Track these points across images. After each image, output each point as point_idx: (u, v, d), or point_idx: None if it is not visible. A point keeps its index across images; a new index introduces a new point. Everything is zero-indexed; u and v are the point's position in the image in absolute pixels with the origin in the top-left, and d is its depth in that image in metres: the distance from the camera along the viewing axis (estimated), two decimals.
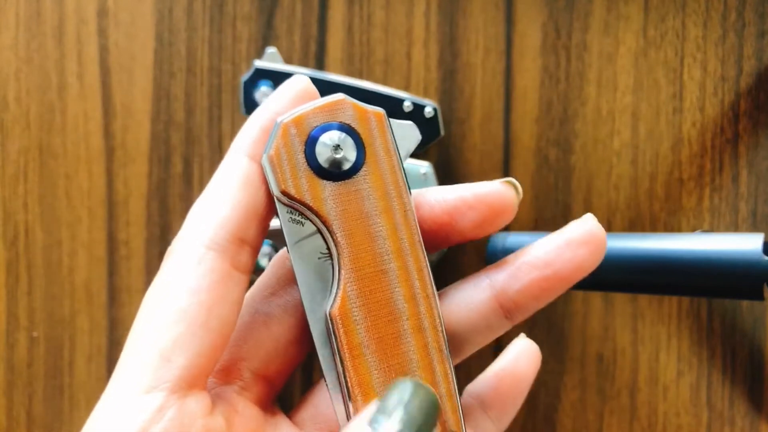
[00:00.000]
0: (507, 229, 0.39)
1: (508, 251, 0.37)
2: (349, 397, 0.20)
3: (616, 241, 0.34)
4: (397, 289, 0.20)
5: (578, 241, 0.21)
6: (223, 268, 0.19)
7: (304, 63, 0.39)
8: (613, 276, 0.34)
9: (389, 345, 0.20)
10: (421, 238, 0.20)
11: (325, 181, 0.20)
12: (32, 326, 0.40)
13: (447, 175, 0.39)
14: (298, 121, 0.20)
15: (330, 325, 0.20)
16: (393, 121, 0.21)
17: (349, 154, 0.20)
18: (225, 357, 0.21)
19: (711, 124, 0.39)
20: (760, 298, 0.30)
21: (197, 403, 0.19)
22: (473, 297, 0.22)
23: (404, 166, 0.21)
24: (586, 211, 0.39)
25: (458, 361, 0.23)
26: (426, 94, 0.39)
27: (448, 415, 0.20)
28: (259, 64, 0.38)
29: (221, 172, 0.21)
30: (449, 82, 0.39)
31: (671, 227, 0.39)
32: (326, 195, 0.20)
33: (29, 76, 0.39)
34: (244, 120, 0.39)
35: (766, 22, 0.38)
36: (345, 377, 0.20)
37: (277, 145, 0.19)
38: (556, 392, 0.39)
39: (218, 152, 0.39)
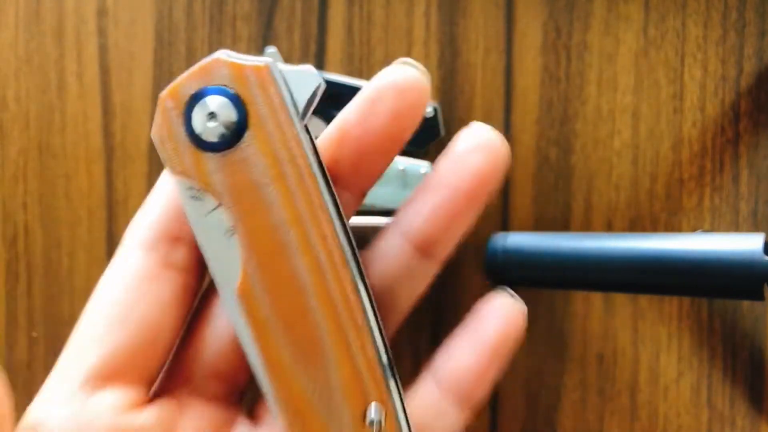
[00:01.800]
0: (507, 229, 0.39)
1: (508, 251, 0.37)
2: (264, 373, 0.19)
3: (616, 241, 0.34)
4: (298, 261, 0.18)
5: (469, 149, 0.19)
6: (148, 267, 0.19)
7: (304, 63, 0.39)
8: (614, 276, 0.34)
9: (296, 321, 0.18)
10: (335, 199, 0.19)
11: (208, 153, 0.18)
12: (32, 326, 0.40)
13: None
14: (173, 93, 0.18)
15: (239, 305, 0.19)
16: (285, 68, 0.18)
17: (229, 120, 0.18)
18: (173, 363, 0.21)
19: (711, 124, 0.38)
20: (761, 298, 0.30)
21: (108, 399, 0.19)
22: (386, 248, 0.20)
23: (311, 122, 0.18)
24: (587, 211, 0.39)
25: (400, 318, 0.22)
26: None
27: (369, 388, 0.19)
28: None
29: (162, 174, 0.20)
30: (449, 82, 0.39)
31: (672, 227, 0.39)
32: (211, 168, 0.18)
33: (28, 75, 0.39)
34: None
35: (766, 22, 0.38)
36: (257, 357, 0.19)
37: (158, 121, 0.18)
38: (556, 392, 0.39)
39: None
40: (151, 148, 0.39)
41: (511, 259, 0.37)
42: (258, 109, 0.18)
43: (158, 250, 0.19)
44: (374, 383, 0.19)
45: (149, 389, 0.20)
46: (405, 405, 0.19)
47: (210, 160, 0.18)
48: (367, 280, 0.19)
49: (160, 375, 0.21)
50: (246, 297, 0.19)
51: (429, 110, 0.38)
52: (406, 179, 0.38)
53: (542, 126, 0.39)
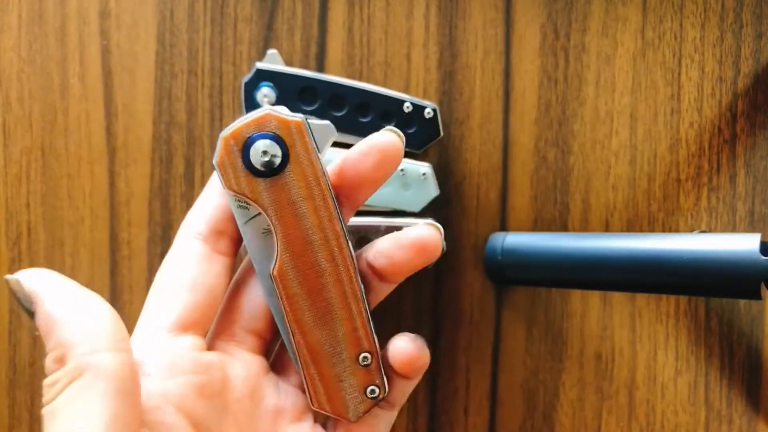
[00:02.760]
0: (505, 229, 0.39)
1: (507, 251, 0.37)
2: (291, 330, 0.27)
3: (614, 241, 0.35)
4: (320, 254, 0.27)
5: (410, 246, 0.27)
6: (204, 251, 0.27)
7: (304, 64, 0.39)
8: (612, 275, 0.34)
9: (316, 293, 0.27)
10: (340, 214, 0.27)
11: (259, 179, 0.26)
12: (35, 325, 0.40)
13: (446, 175, 0.39)
14: (235, 135, 0.26)
15: (274, 283, 0.27)
16: (312, 122, 0.26)
17: (276, 156, 0.25)
18: (220, 320, 0.28)
19: (709, 125, 0.39)
20: (758, 297, 0.31)
21: (188, 341, 0.26)
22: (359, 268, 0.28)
23: (331, 163, 0.27)
24: (585, 211, 0.39)
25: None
26: (425, 95, 0.39)
27: (363, 341, 0.27)
28: (260, 65, 0.38)
29: (208, 183, 0.28)
30: (448, 83, 0.39)
31: (669, 227, 0.39)
32: (261, 189, 0.26)
33: (31, 77, 0.40)
34: None
35: (763, 24, 0.38)
36: (286, 318, 0.27)
37: (221, 153, 0.26)
38: (554, 391, 0.40)
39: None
40: (153, 148, 0.40)
41: (510, 258, 0.37)
42: (296, 150, 0.26)
43: (209, 240, 0.27)
44: (366, 337, 0.27)
45: (206, 339, 0.27)
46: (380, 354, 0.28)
47: (260, 182, 0.26)
48: (356, 265, 0.27)
49: (211, 330, 0.28)
50: (281, 277, 0.27)
51: (428, 111, 0.38)
52: (406, 180, 0.38)
53: (540, 127, 0.39)
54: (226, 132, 0.25)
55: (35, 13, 0.39)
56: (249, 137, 0.25)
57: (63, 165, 0.40)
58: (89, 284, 0.40)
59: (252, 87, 0.38)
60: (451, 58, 0.39)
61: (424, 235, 0.27)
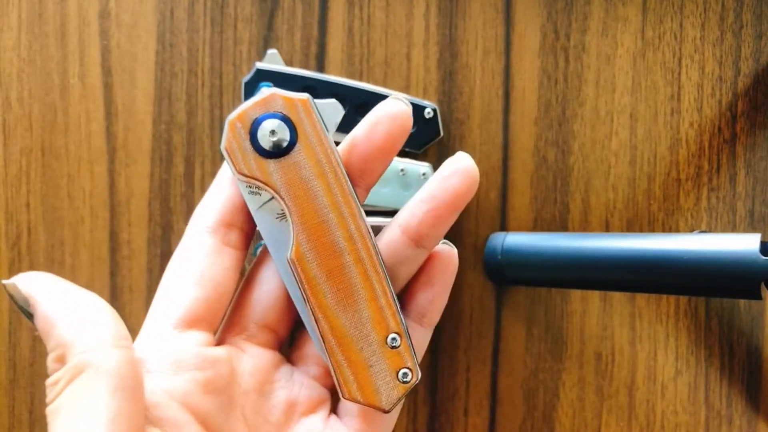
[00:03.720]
0: (505, 229, 0.39)
1: (507, 250, 0.37)
2: (314, 316, 0.26)
3: (614, 241, 0.35)
4: (337, 233, 0.26)
5: (450, 173, 0.26)
6: (213, 244, 0.26)
7: (304, 64, 0.39)
8: (612, 275, 0.34)
9: (337, 275, 0.26)
10: (354, 191, 0.26)
11: (269, 160, 0.25)
12: (35, 327, 0.40)
13: None
14: (241, 117, 0.25)
15: (291, 268, 0.26)
16: (318, 101, 0.26)
17: (284, 136, 0.25)
18: (231, 315, 0.28)
19: (709, 125, 0.39)
20: (758, 297, 0.31)
21: (194, 337, 0.26)
22: (389, 238, 0.27)
23: (337, 141, 0.26)
24: (585, 211, 0.39)
25: (398, 290, 0.28)
26: (425, 95, 0.39)
27: (390, 321, 0.26)
28: (260, 65, 0.38)
29: (218, 175, 0.28)
30: (448, 83, 0.39)
31: (669, 227, 0.39)
32: (271, 170, 0.25)
33: (31, 77, 0.40)
34: None
35: (763, 24, 0.38)
36: (308, 303, 0.26)
37: (229, 137, 0.25)
38: (554, 391, 0.40)
39: (220, 153, 0.39)
40: (153, 148, 0.40)
41: (510, 258, 0.37)
42: (304, 129, 0.25)
43: (219, 233, 0.27)
44: (393, 317, 0.26)
45: (216, 334, 0.27)
46: (410, 334, 0.27)
47: (271, 163, 0.25)
48: (379, 251, 0.26)
49: (222, 325, 0.28)
50: (299, 260, 0.26)
51: (428, 111, 0.38)
52: (406, 180, 0.38)
53: (540, 127, 0.39)
54: (233, 115, 0.25)
55: (35, 13, 0.39)
56: (256, 119, 0.25)
57: (63, 165, 0.40)
58: (89, 284, 0.40)
59: (252, 87, 0.38)
60: (451, 58, 0.39)
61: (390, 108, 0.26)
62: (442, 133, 0.39)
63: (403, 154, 0.39)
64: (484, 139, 0.39)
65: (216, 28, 0.39)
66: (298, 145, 0.25)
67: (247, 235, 0.27)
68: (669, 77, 0.39)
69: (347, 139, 0.27)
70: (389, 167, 0.38)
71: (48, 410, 0.22)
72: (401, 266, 0.27)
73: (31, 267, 0.40)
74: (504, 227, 0.39)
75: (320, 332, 0.26)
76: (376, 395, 0.26)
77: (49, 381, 0.22)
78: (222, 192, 0.27)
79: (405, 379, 0.26)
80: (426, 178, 0.38)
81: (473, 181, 0.26)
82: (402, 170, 0.38)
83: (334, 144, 0.26)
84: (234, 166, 0.25)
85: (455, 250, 0.28)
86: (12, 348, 0.40)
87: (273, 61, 0.38)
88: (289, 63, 0.39)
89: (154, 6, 0.39)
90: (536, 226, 0.39)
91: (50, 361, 0.22)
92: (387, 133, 0.26)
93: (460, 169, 0.26)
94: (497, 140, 0.39)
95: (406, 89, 0.39)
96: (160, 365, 0.25)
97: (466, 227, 0.39)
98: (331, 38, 0.39)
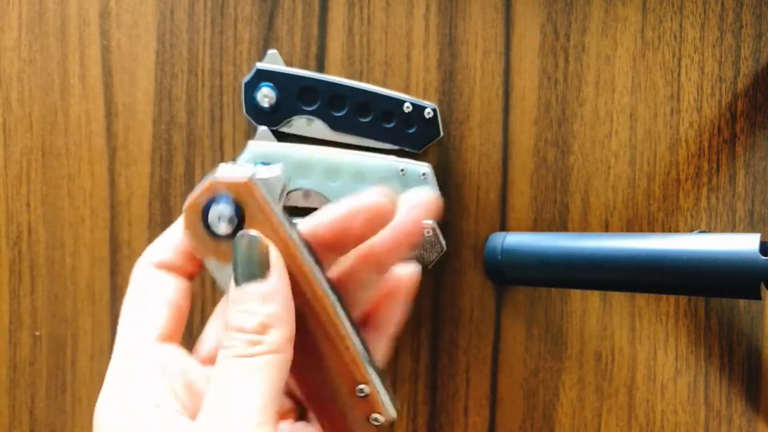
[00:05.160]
0: (505, 229, 0.39)
1: (507, 251, 0.37)
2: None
3: (614, 241, 0.35)
4: (296, 300, 0.26)
5: (410, 205, 0.27)
6: (157, 273, 0.28)
7: (304, 65, 0.39)
8: (611, 275, 0.34)
9: (301, 339, 0.26)
10: (313, 257, 0.26)
11: (223, 241, 0.26)
12: (35, 325, 0.40)
13: (446, 175, 0.39)
14: (192, 205, 0.26)
15: None
16: (260, 176, 0.26)
17: (232, 219, 0.26)
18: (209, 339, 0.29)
19: (708, 125, 0.39)
20: (757, 297, 0.31)
21: (171, 347, 0.27)
22: (351, 266, 0.28)
23: (285, 205, 0.27)
24: (584, 211, 0.39)
25: (362, 312, 0.29)
26: (425, 96, 0.39)
27: (356, 374, 0.27)
28: (261, 65, 0.38)
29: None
30: (448, 84, 0.39)
31: (669, 227, 0.39)
32: (225, 249, 0.26)
33: (32, 77, 0.40)
34: (245, 121, 0.39)
35: (763, 24, 0.38)
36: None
37: (185, 225, 0.27)
38: (554, 390, 0.40)
39: (219, 153, 0.39)
40: (153, 149, 0.40)
41: (510, 258, 0.37)
42: (250, 208, 0.26)
43: (172, 266, 0.28)
44: (358, 370, 0.27)
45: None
46: (384, 383, 0.27)
47: (223, 245, 0.26)
48: (343, 302, 0.27)
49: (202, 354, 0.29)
50: None
51: (428, 111, 0.38)
52: (406, 180, 0.38)
53: (540, 127, 0.39)
54: (186, 204, 0.27)
55: (36, 13, 0.40)
56: (204, 206, 0.26)
57: (63, 165, 0.40)
58: (89, 284, 0.40)
59: (252, 87, 0.38)
60: (451, 58, 0.39)
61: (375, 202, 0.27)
62: (442, 133, 0.39)
63: (403, 154, 0.39)
64: (484, 139, 0.39)
65: (216, 29, 0.39)
66: (246, 224, 0.26)
67: (188, 270, 0.28)
68: (669, 77, 0.39)
69: (326, 214, 0.27)
70: (389, 167, 0.38)
71: (233, 357, 0.25)
72: (363, 292, 0.28)
73: (32, 266, 0.40)
74: (504, 227, 0.39)
75: (295, 387, 0.28)
76: None
77: (243, 331, 0.25)
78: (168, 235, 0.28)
79: (376, 423, 0.28)
80: (426, 178, 0.38)
81: (432, 212, 0.28)
82: (402, 170, 0.38)
83: (282, 215, 0.26)
84: (195, 250, 0.27)
85: (418, 268, 0.29)
86: (12, 348, 0.40)
87: (273, 62, 0.38)
88: (289, 63, 0.39)
89: (154, 6, 0.39)
90: (536, 226, 0.39)
91: (253, 321, 0.25)
92: (364, 224, 0.27)
93: (418, 201, 0.27)
94: (497, 140, 0.39)
95: (406, 89, 0.39)
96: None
97: (465, 227, 0.39)
98: (331, 38, 0.39)
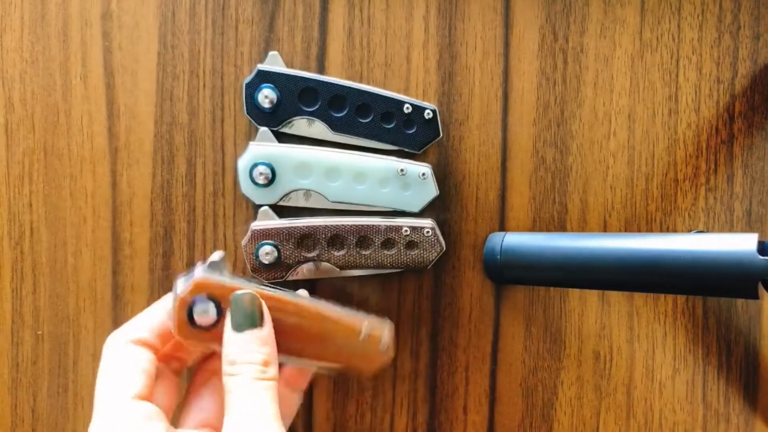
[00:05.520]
0: (504, 229, 0.40)
1: (506, 251, 0.37)
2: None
3: (612, 241, 0.35)
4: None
5: None
6: (128, 346, 0.33)
7: (305, 66, 0.39)
8: (610, 275, 0.34)
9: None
10: (268, 287, 0.33)
11: (207, 331, 0.32)
12: (37, 324, 0.41)
13: (445, 176, 0.39)
14: (182, 302, 0.32)
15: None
16: (199, 269, 0.32)
17: (212, 313, 0.32)
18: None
19: (706, 126, 0.39)
20: (755, 296, 0.31)
21: (149, 406, 0.31)
22: (280, 392, 0.33)
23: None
24: (583, 211, 0.39)
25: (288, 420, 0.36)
26: (425, 97, 0.39)
27: (355, 326, 0.34)
28: (262, 66, 0.38)
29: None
30: (448, 85, 0.39)
31: (667, 227, 0.39)
32: (208, 338, 0.32)
33: (34, 78, 0.40)
34: (246, 122, 0.39)
35: (761, 25, 0.39)
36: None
37: (176, 317, 0.32)
38: (553, 389, 0.40)
39: (221, 153, 0.40)
40: (155, 149, 0.40)
41: (509, 258, 0.37)
42: (224, 303, 0.32)
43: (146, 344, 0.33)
44: (352, 325, 0.34)
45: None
46: (373, 320, 0.34)
47: (206, 334, 0.32)
48: (312, 298, 0.35)
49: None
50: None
51: (428, 112, 0.38)
52: (405, 180, 0.38)
53: (539, 128, 0.39)
54: (175, 300, 0.32)
55: (38, 14, 0.40)
56: (191, 303, 0.32)
57: (65, 165, 0.40)
58: (91, 284, 0.40)
59: (253, 88, 0.38)
60: (451, 60, 0.39)
61: None
62: (441, 134, 0.39)
63: (403, 154, 0.39)
64: (483, 140, 0.39)
65: (217, 30, 0.39)
66: (225, 313, 0.32)
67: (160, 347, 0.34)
68: (667, 78, 0.39)
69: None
70: (389, 167, 0.38)
71: (245, 378, 0.30)
72: (286, 408, 0.35)
73: (34, 267, 0.40)
74: (503, 227, 0.40)
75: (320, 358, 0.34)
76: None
77: (250, 362, 0.31)
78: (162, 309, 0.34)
79: (383, 348, 0.34)
80: (426, 179, 0.38)
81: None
82: (402, 170, 0.38)
83: (235, 279, 0.33)
84: (185, 342, 0.32)
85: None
86: (15, 347, 0.41)
87: (274, 63, 0.38)
88: (289, 64, 0.39)
89: (155, 8, 0.39)
90: (535, 226, 0.39)
91: (257, 357, 0.31)
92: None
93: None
94: (496, 141, 0.39)
95: (405, 90, 0.39)
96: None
97: (465, 227, 0.40)
98: (331, 40, 0.39)
